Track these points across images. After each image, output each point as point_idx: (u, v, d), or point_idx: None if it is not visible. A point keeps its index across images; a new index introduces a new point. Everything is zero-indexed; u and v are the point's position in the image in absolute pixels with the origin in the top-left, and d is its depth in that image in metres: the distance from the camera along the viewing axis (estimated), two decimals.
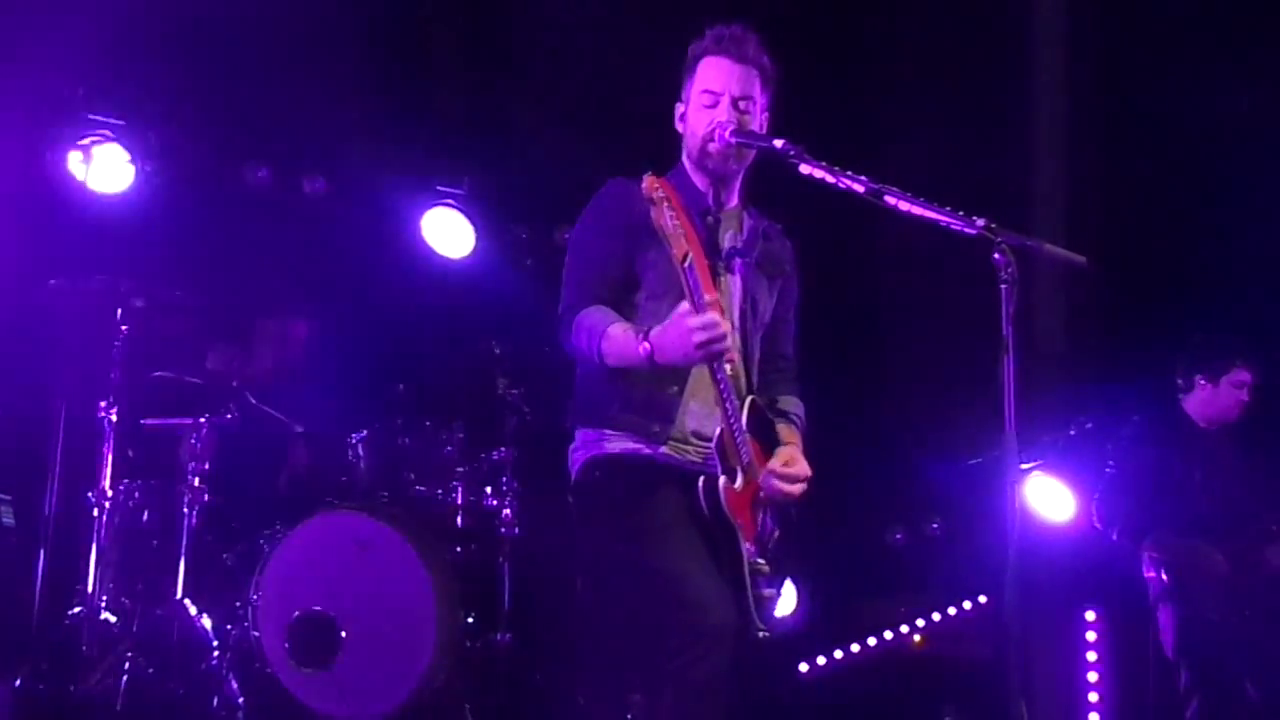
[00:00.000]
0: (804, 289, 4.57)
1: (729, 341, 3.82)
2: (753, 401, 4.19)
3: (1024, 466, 7.32)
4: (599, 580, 7.12)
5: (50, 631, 6.16)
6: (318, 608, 6.24)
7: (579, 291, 4.15)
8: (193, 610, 6.27)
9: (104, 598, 6.24)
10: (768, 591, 4.12)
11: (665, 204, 3.82)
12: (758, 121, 4.25)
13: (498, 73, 8.26)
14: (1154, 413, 6.64)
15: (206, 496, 6.49)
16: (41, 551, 6.23)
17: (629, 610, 4.20)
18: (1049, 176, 8.12)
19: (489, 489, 6.95)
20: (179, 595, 6.29)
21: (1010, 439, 3.73)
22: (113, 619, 6.22)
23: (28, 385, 6.78)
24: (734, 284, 4.27)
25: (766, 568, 4.12)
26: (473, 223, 8.19)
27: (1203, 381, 6.60)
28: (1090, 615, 8.13)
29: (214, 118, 7.74)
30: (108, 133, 7.19)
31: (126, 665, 5.97)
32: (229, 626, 6.37)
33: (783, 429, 4.30)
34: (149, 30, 7.20)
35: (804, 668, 7.96)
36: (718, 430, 4.05)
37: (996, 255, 3.79)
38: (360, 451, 6.87)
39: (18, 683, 5.87)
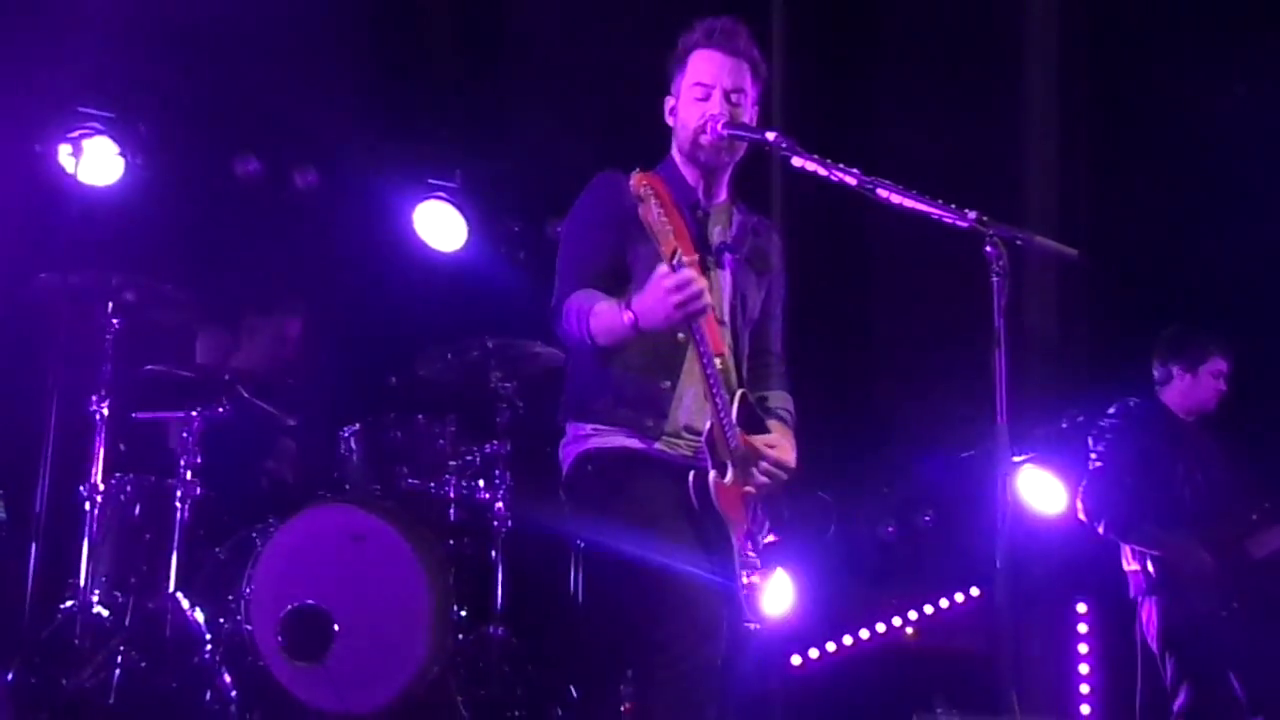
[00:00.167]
0: (796, 283, 4.57)
1: (706, 299, 3.80)
2: (743, 395, 4.19)
3: (1015, 459, 7.32)
4: (591, 573, 7.15)
5: (42, 625, 6.13)
6: (310, 601, 6.24)
7: (570, 284, 4.14)
8: (185, 604, 6.26)
9: (96, 591, 6.22)
10: (759, 585, 4.12)
11: (653, 200, 3.81)
12: (748, 114, 4.24)
13: (490, 65, 8.26)
14: (1132, 403, 6.61)
15: (198, 490, 6.47)
16: (33, 546, 6.21)
17: (621, 603, 4.19)
18: (1038, 168, 8.12)
19: (482, 482, 6.95)
20: (171, 589, 6.27)
21: (1001, 431, 3.74)
22: (105, 613, 6.21)
23: (18, 379, 6.77)
24: (723, 279, 4.27)
25: (757, 561, 4.12)
26: (465, 215, 8.19)
27: (1180, 372, 6.59)
28: (1081, 607, 8.14)
29: (204, 110, 7.73)
30: (97, 125, 7.18)
31: (119, 659, 5.96)
32: (221, 620, 6.37)
33: (773, 425, 4.30)
34: (139, 23, 7.19)
35: (796, 660, 7.97)
36: (708, 424, 4.05)
37: (988, 248, 3.80)
38: (352, 445, 6.87)
39: (10, 677, 5.86)
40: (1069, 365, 7.99)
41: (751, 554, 4.11)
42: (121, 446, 6.59)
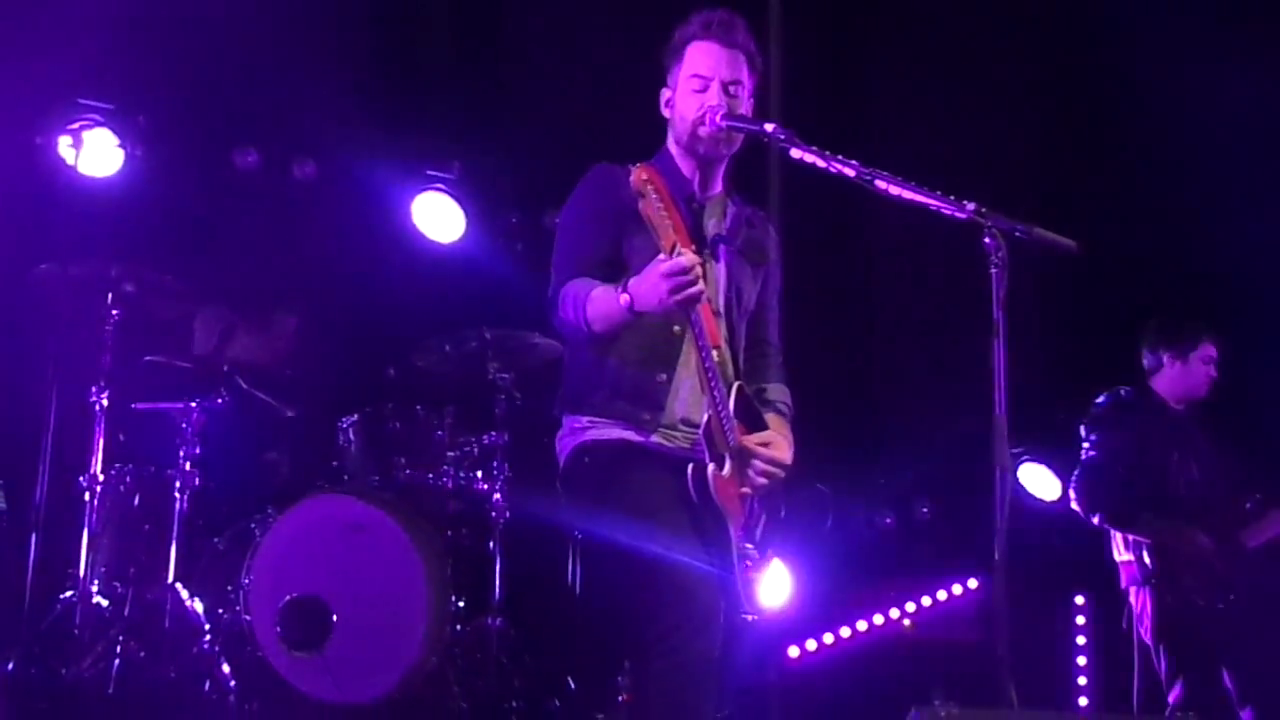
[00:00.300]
0: (794, 274, 4.57)
1: (701, 286, 3.80)
2: (739, 387, 4.19)
3: (1013, 450, 7.33)
4: (588, 565, 7.17)
5: (42, 616, 6.15)
6: (309, 592, 6.25)
7: (566, 275, 4.14)
8: (184, 594, 6.27)
9: (95, 582, 6.24)
10: (756, 576, 4.12)
11: (653, 195, 3.81)
12: (745, 107, 4.25)
13: (488, 56, 8.26)
14: (1123, 392, 6.59)
15: (198, 480, 6.49)
16: (33, 536, 6.22)
17: (618, 595, 4.20)
18: (1033, 159, 8.12)
19: (480, 473, 6.95)
20: (170, 579, 6.29)
21: (1000, 423, 3.75)
22: (104, 603, 6.23)
23: (18, 370, 6.78)
24: (718, 271, 4.28)
25: (755, 552, 4.13)
26: (463, 207, 8.19)
27: (1170, 359, 6.56)
28: (1079, 599, 8.16)
29: (204, 102, 7.73)
30: (97, 117, 7.19)
31: (118, 649, 5.98)
32: (220, 610, 6.39)
33: (771, 419, 4.30)
34: (138, 15, 7.18)
35: (794, 652, 7.98)
36: (706, 416, 4.06)
37: (986, 239, 3.81)
38: (351, 436, 6.88)
39: (10, 667, 5.87)
40: (1067, 356, 7.99)
41: (749, 546, 4.12)
42: (121, 437, 6.59)
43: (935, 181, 3.99)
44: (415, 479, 6.81)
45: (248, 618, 6.24)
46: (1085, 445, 6.51)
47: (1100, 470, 6.41)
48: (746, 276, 4.35)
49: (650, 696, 3.96)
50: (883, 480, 8.61)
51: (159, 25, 7.32)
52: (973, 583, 8.42)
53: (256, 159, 7.86)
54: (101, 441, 6.31)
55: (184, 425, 6.52)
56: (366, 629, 6.22)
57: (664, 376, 4.15)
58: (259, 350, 7.29)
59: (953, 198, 3.92)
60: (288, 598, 6.24)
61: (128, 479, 6.54)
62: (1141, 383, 6.64)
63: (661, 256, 3.77)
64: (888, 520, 8.71)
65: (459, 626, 6.61)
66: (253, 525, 6.50)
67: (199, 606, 6.28)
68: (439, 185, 8.16)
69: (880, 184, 3.98)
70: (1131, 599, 6.42)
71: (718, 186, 4.35)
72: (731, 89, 4.19)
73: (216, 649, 6.18)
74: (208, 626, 6.25)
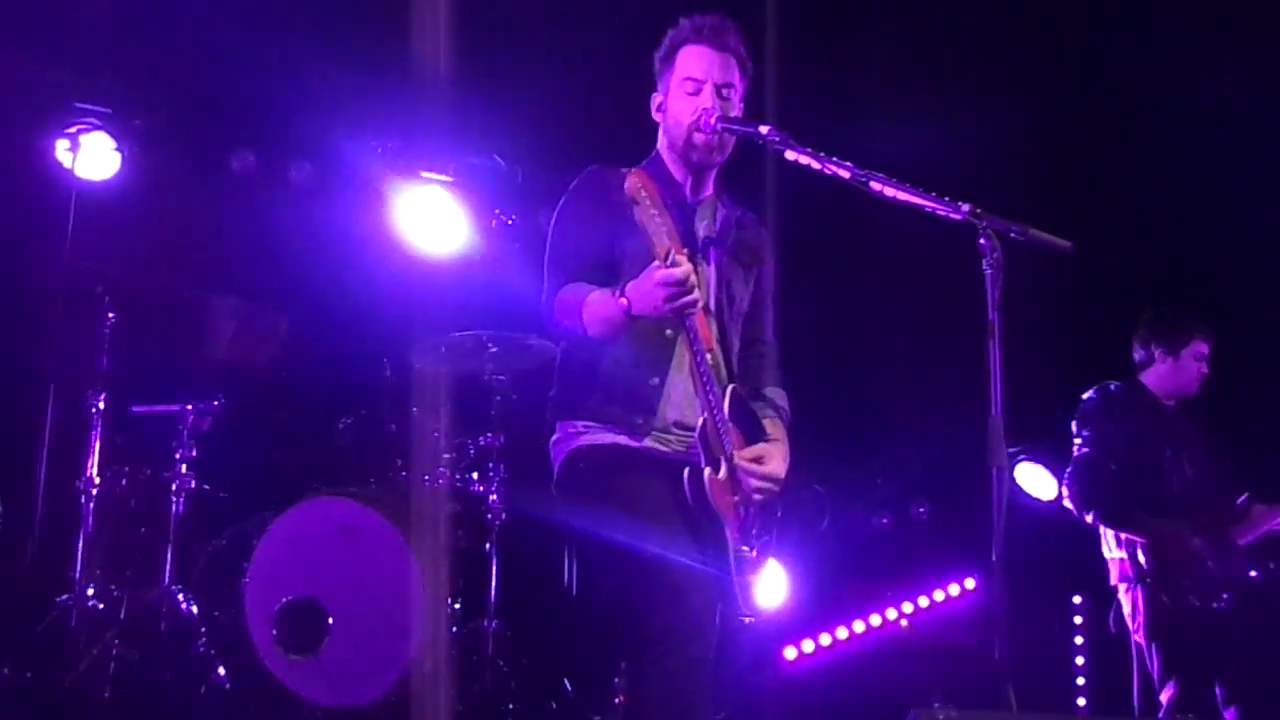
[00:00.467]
0: (790, 276, 4.57)
1: (696, 295, 3.82)
2: (733, 390, 4.20)
3: (1010, 450, 7.31)
4: (585, 569, 7.16)
5: (38, 618, 6.15)
6: (305, 594, 6.25)
7: (559, 279, 4.16)
8: (180, 597, 6.28)
9: (92, 585, 6.24)
10: (753, 578, 4.12)
11: (647, 201, 3.82)
12: (736, 110, 4.26)
13: (485, 57, 8.25)
14: (1113, 386, 6.57)
15: (194, 483, 6.50)
16: (30, 539, 6.23)
17: (614, 597, 4.20)
18: (1028, 159, 8.12)
19: (476, 475, 6.96)
20: (167, 582, 6.30)
21: (996, 423, 3.75)
22: (101, 606, 6.23)
23: (15, 373, 6.78)
24: (709, 273, 4.28)
25: (752, 555, 4.13)
26: (460, 207, 8.18)
27: (1162, 355, 6.53)
28: (1077, 599, 8.16)
29: (200, 105, 7.73)
30: (95, 121, 7.19)
31: (114, 652, 5.98)
32: (216, 613, 6.39)
33: (767, 423, 4.31)
34: (136, 18, 7.19)
35: (790, 653, 7.98)
36: (700, 420, 4.06)
37: (982, 240, 3.81)
38: (347, 437, 6.88)
39: (6, 670, 5.87)
40: (1062, 355, 7.98)
41: (746, 548, 4.12)
42: (118, 440, 6.60)
43: (930, 182, 3.98)
44: (411, 481, 6.81)
45: (244, 620, 6.23)
46: (1077, 442, 6.46)
47: (1093, 467, 6.37)
48: (739, 278, 4.36)
49: (646, 699, 3.95)
50: (880, 481, 8.61)
51: (156, 29, 7.32)
52: (970, 583, 8.43)
53: (253, 161, 7.87)
54: (98, 444, 6.31)
55: (180, 428, 6.53)
56: (363, 631, 6.21)
57: (656, 380, 4.15)
58: (248, 352, 7.28)
59: (948, 199, 3.92)
60: (284, 600, 6.24)
61: (124, 482, 6.55)
62: (1131, 377, 6.62)
63: (657, 264, 3.78)
64: (885, 521, 8.71)
65: (455, 628, 6.61)
66: (249, 528, 6.50)
67: (195, 609, 6.28)
68: (436, 185, 8.16)
69: (875, 185, 3.99)
70: (1121, 596, 6.39)
71: (709, 189, 4.36)
72: (724, 92, 4.21)
73: (213, 652, 6.18)
74: (204, 629, 6.25)
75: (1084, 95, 8.21)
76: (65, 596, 6.20)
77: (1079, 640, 8.11)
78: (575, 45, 7.91)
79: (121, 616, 6.22)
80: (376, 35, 7.88)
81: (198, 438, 6.56)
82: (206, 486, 6.63)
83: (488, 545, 6.85)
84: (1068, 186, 8.12)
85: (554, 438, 4.30)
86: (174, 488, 6.43)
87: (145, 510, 6.54)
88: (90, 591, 6.21)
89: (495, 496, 6.85)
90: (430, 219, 8.13)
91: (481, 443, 6.96)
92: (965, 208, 3.89)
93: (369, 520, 6.37)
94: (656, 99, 4.33)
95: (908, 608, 8.37)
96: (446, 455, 6.91)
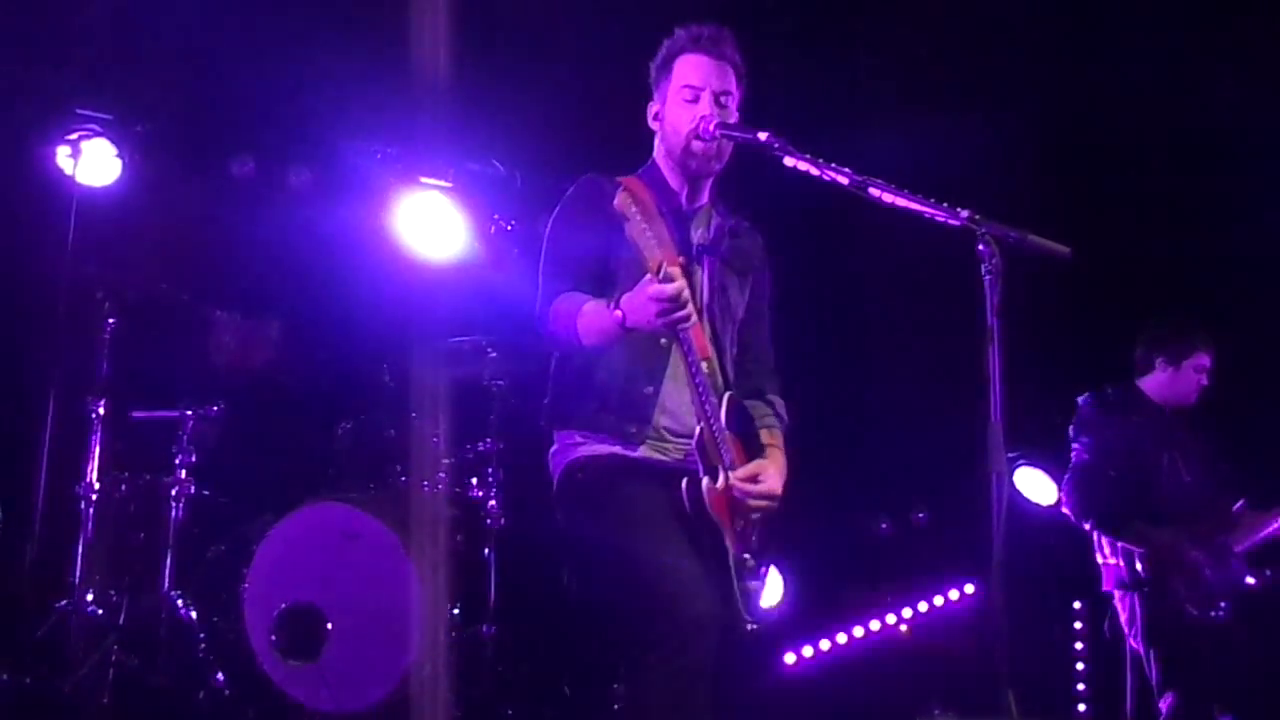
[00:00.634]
0: (787, 280, 4.57)
1: (689, 310, 3.82)
2: (730, 398, 4.20)
3: (1009, 455, 7.31)
4: (584, 573, 7.16)
5: (37, 624, 6.15)
6: (304, 600, 6.25)
7: (554, 288, 4.16)
8: (180, 602, 6.28)
9: (91, 590, 6.24)
10: (753, 585, 4.12)
11: (637, 216, 3.82)
12: (733, 118, 4.26)
13: (485, 63, 8.26)
14: (1109, 391, 6.56)
15: (193, 489, 6.50)
16: (29, 544, 6.23)
17: (613, 602, 4.20)
18: (1027, 164, 8.12)
19: (475, 480, 6.96)
20: (166, 587, 6.30)
21: (995, 429, 3.75)
22: (100, 611, 6.23)
23: (16, 379, 6.79)
24: (702, 280, 4.29)
25: (752, 562, 4.13)
26: (459, 212, 8.18)
27: (1163, 364, 6.53)
28: (1077, 605, 8.15)
29: (201, 111, 7.74)
30: (96, 127, 7.19)
31: (113, 657, 5.98)
32: (216, 619, 6.39)
33: (764, 432, 4.32)
34: (137, 24, 7.19)
35: (790, 658, 7.97)
36: (698, 429, 4.06)
37: (980, 246, 3.81)
38: (346, 443, 6.88)
39: (5, 675, 5.87)
40: (1061, 361, 7.98)
41: (746, 556, 4.12)
42: (117, 445, 6.60)
43: (928, 188, 3.98)
44: (410, 486, 6.81)
45: (243, 626, 6.23)
46: (1075, 448, 6.45)
47: (1090, 473, 6.36)
48: (733, 285, 4.37)
49: (645, 705, 3.95)
50: (879, 486, 8.60)
51: (156, 36, 7.32)
52: (969, 589, 8.43)
53: (253, 167, 7.87)
54: (98, 450, 6.31)
55: (180, 433, 6.53)
56: (361, 637, 6.22)
57: (650, 389, 4.16)
58: (241, 358, 7.28)
59: (946, 205, 3.92)
60: (283, 606, 6.25)
61: (124, 487, 6.55)
62: (1128, 380, 6.62)
63: (649, 277, 3.78)
64: (884, 526, 8.71)
65: (454, 634, 6.61)
66: (248, 533, 6.50)
67: (194, 614, 6.29)
68: (435, 191, 8.16)
69: (873, 191, 3.98)
70: (1116, 602, 6.39)
71: (704, 198, 4.37)
72: (722, 99, 4.22)
73: (212, 657, 6.19)
74: (203, 635, 6.25)
75: (1083, 101, 8.21)
76: (65, 602, 6.20)
77: (1079, 646, 8.10)
78: (574, 51, 7.92)
79: (121, 622, 6.22)
80: (376, 42, 7.88)
81: (197, 443, 6.56)
82: (206, 492, 6.63)
83: (487, 550, 6.85)
84: (1066, 192, 8.11)
85: (552, 448, 4.30)
86: (174, 493, 6.44)
87: (145, 515, 6.54)
88: (90, 597, 6.21)
89: (494, 502, 6.85)
90: (430, 224, 8.13)
91: (480, 448, 6.96)
92: (964, 213, 3.89)
93: (368, 526, 6.37)
94: (653, 108, 4.34)
95: (907, 613, 8.37)
96: (445, 460, 6.91)
